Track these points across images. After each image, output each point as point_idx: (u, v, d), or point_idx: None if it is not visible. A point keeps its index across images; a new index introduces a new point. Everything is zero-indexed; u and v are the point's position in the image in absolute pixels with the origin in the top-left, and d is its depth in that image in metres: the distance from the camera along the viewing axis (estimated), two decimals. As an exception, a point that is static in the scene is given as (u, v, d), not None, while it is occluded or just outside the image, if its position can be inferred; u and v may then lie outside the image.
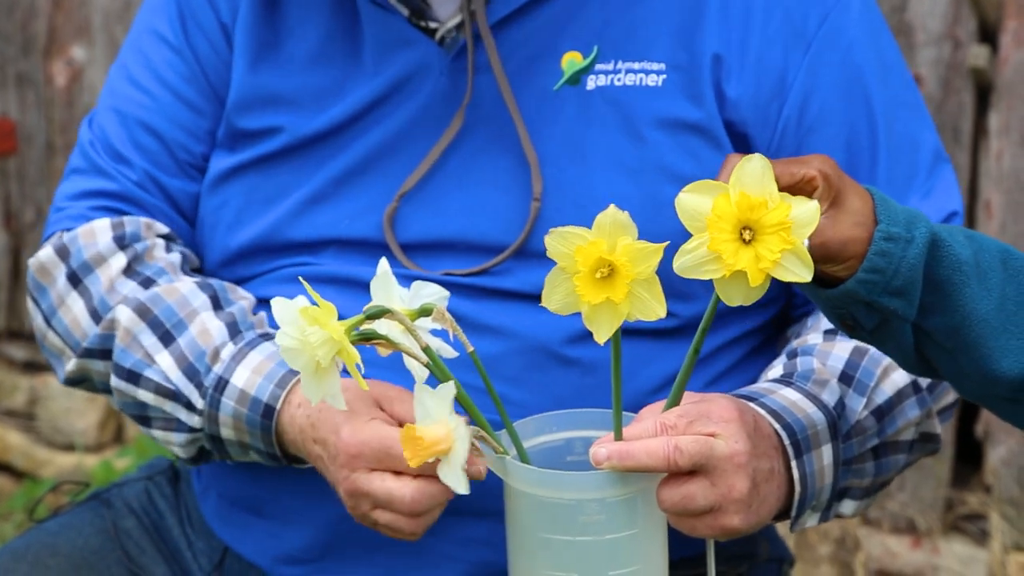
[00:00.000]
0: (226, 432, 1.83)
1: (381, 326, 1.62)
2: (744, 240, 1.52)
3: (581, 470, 1.65)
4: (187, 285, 1.89)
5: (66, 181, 2.01)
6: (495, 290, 1.85)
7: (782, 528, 2.33)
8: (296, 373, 1.76)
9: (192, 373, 1.84)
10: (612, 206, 1.53)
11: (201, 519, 2.04)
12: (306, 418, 1.78)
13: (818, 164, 1.59)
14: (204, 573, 2.01)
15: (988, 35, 3.06)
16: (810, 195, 1.57)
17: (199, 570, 2.01)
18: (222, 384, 1.82)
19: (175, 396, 1.85)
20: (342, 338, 1.58)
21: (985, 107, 3.08)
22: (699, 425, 1.63)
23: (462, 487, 1.62)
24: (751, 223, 1.51)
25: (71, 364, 1.93)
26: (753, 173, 1.52)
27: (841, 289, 1.59)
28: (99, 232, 1.93)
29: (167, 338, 1.86)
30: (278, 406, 1.79)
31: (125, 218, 1.94)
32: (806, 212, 1.52)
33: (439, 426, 1.60)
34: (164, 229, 1.96)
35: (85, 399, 3.89)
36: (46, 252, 1.95)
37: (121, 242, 1.93)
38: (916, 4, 3.03)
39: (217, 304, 1.88)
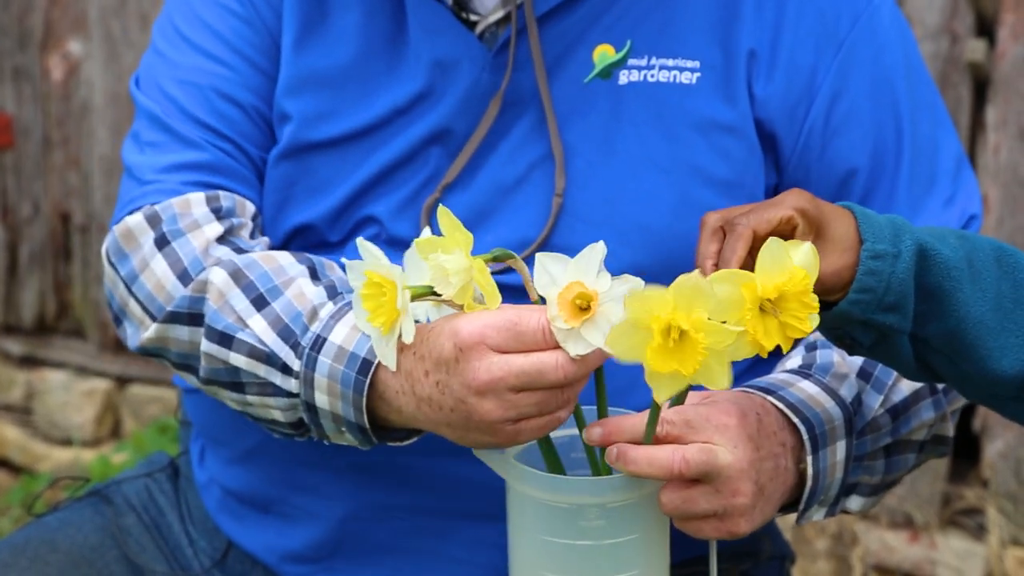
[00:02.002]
0: (320, 398, 1.72)
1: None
2: (766, 310, 1.53)
3: (585, 468, 1.64)
4: (285, 256, 1.82)
5: (143, 154, 1.93)
6: (515, 288, 1.84)
7: (781, 523, 2.33)
8: None
9: (287, 335, 1.75)
10: (696, 272, 1.51)
11: (203, 515, 2.03)
12: (413, 356, 1.64)
13: (791, 201, 1.58)
14: (204, 570, 2.01)
15: (985, 29, 3.06)
16: (791, 234, 1.57)
17: (199, 567, 2.01)
18: (320, 342, 1.72)
19: (269, 359, 1.76)
20: (482, 268, 1.55)
21: (982, 101, 3.08)
22: (697, 429, 1.62)
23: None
24: (774, 299, 1.53)
25: (150, 331, 1.85)
26: (772, 256, 1.52)
27: (835, 311, 1.59)
28: (194, 203, 1.87)
29: (260, 302, 1.78)
30: (376, 360, 1.67)
31: (221, 192, 1.89)
32: (805, 258, 1.53)
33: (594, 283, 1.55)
34: (253, 208, 1.91)
35: (82, 394, 3.89)
36: (135, 218, 1.87)
37: (218, 214, 1.87)
38: (913, -2, 3.04)
39: (315, 275, 1.81)
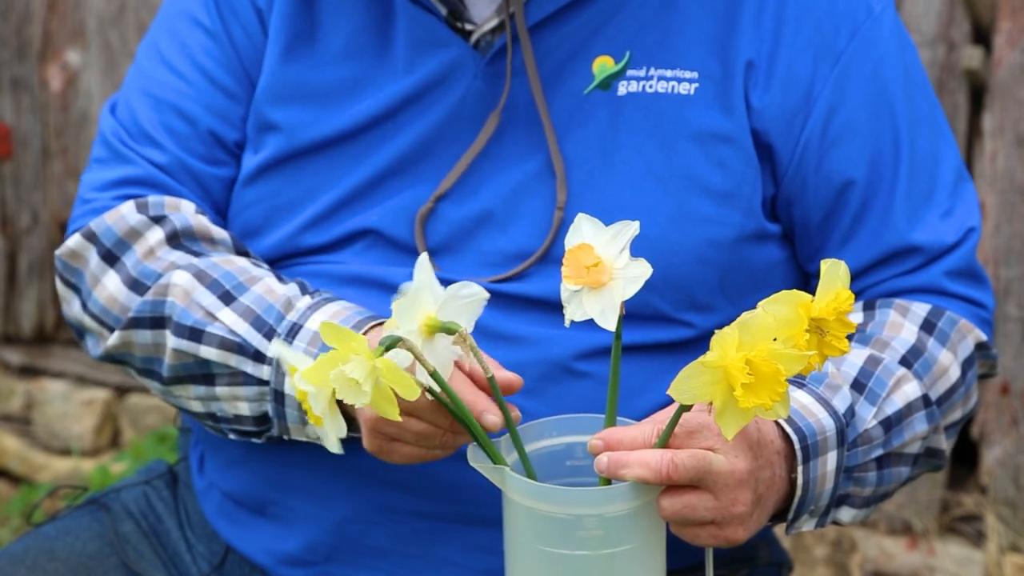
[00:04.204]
0: (290, 385, 1.75)
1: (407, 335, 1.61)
2: (810, 329, 1.55)
3: (582, 475, 1.64)
4: (242, 260, 1.88)
5: (89, 172, 1.99)
6: (516, 296, 1.84)
7: (779, 531, 2.33)
8: (375, 318, 1.76)
9: (260, 324, 1.81)
10: (761, 312, 1.51)
11: (201, 521, 2.04)
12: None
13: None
14: (203, 575, 2.01)
15: (982, 36, 3.06)
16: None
17: (198, 572, 2.01)
18: (295, 329, 1.79)
19: (240, 348, 1.81)
20: (389, 365, 1.54)
21: (979, 108, 3.08)
22: (698, 437, 1.62)
23: (611, 322, 1.57)
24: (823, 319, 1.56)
25: (112, 339, 1.89)
26: (827, 278, 1.54)
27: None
28: (126, 213, 1.91)
29: (227, 297, 1.83)
30: None
31: (149, 198, 1.92)
32: (846, 277, 1.54)
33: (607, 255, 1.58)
34: (191, 205, 1.93)
35: (82, 403, 3.88)
36: (74, 239, 1.93)
37: (155, 218, 1.91)
38: (910, 5, 3.04)
39: (279, 276, 1.87)
